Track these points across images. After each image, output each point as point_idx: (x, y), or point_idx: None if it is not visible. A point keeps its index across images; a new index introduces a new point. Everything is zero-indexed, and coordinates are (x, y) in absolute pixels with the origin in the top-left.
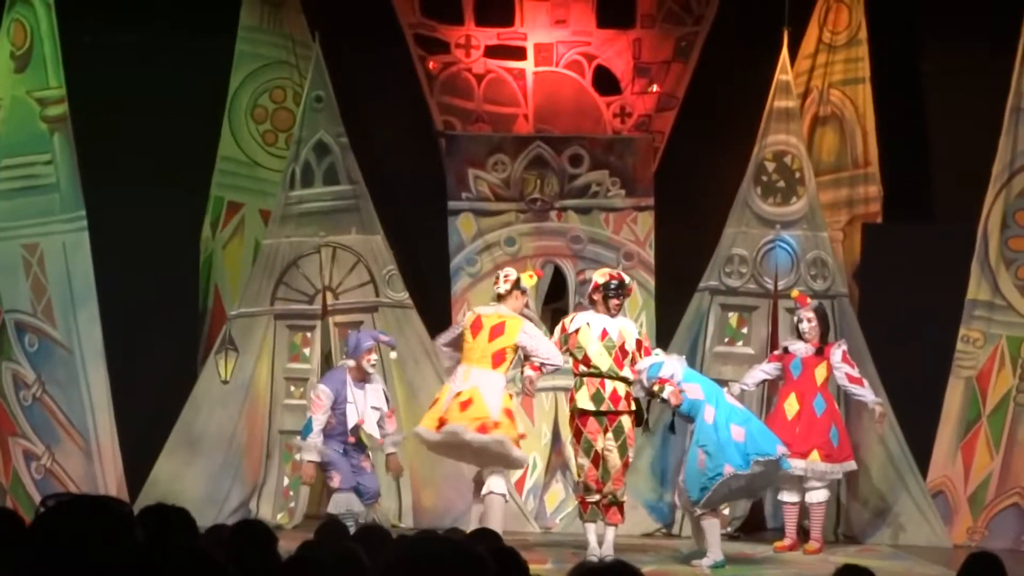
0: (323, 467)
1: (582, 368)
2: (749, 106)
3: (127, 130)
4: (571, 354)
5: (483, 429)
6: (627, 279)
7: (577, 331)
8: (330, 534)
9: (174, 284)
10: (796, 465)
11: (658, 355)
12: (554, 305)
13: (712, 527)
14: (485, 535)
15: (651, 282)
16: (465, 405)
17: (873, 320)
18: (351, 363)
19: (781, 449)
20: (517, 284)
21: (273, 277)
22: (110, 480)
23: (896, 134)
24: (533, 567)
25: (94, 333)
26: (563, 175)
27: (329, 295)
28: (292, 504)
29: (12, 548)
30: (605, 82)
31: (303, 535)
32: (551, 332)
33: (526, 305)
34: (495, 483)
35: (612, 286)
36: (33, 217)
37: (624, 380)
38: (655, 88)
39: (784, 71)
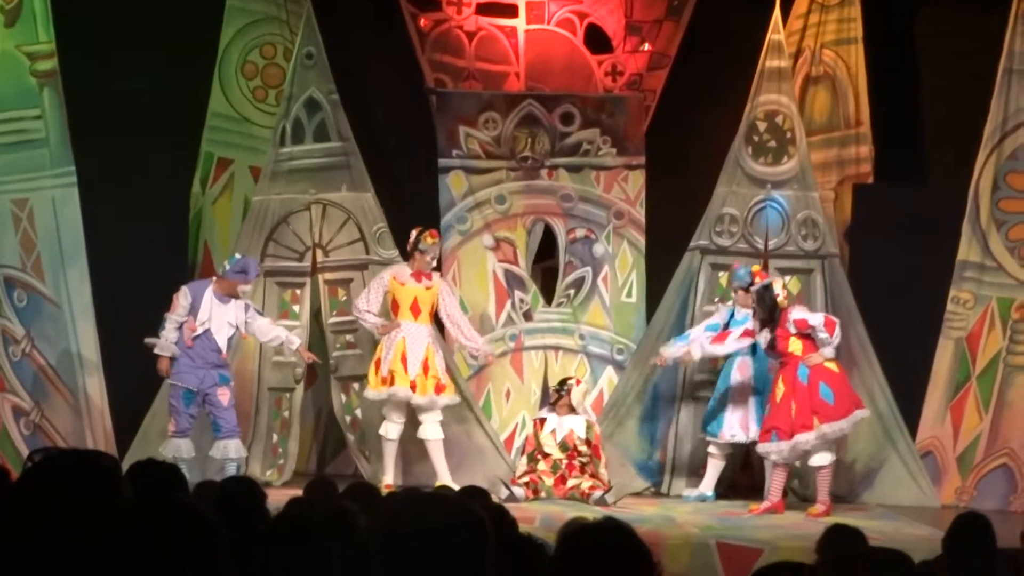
0: (169, 409)
1: None
2: (741, 65)
3: (117, 86)
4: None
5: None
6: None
7: None
8: (319, 491)
9: (163, 240)
10: (808, 439)
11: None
12: (544, 263)
13: (714, 464)
14: (475, 493)
15: (641, 241)
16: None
17: (863, 280)
18: (230, 278)
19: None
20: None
21: (263, 234)
22: (99, 437)
23: (888, 94)
24: (522, 525)
25: (83, 289)
26: (554, 133)
27: (319, 252)
28: (281, 461)
29: None
30: (597, 40)
31: (292, 492)
32: (542, 293)
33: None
34: (433, 429)
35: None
36: (22, 172)
37: None
38: (647, 47)
39: (776, 31)
